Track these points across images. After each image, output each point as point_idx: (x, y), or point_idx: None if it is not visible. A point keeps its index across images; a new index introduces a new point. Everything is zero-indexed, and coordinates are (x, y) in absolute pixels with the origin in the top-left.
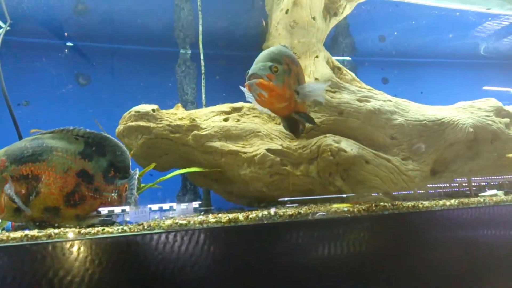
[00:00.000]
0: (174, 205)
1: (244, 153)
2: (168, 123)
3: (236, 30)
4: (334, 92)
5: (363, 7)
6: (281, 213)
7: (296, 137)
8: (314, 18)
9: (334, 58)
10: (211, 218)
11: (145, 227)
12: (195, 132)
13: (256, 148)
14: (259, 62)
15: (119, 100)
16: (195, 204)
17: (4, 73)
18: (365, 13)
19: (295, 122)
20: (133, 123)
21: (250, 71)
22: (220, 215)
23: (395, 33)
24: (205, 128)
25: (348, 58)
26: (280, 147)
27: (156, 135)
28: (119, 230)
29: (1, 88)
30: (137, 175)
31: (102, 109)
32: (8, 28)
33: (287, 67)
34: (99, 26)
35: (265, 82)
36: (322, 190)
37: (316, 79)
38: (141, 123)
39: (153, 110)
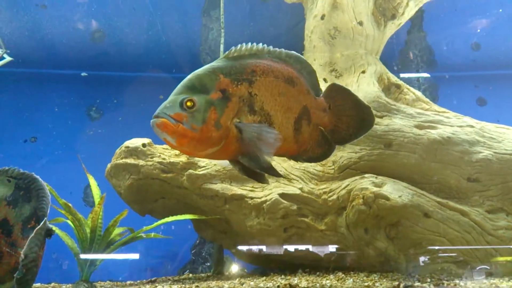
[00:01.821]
0: None
1: (251, 198)
2: (160, 160)
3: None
4: (381, 117)
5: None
6: None
7: (261, 183)
8: (360, 23)
9: (407, 75)
10: None
11: None
12: (190, 171)
13: (268, 192)
14: (172, 95)
15: (134, 134)
16: None
17: (12, 108)
18: (446, 10)
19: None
20: (121, 161)
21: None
22: None
23: (482, 30)
24: (204, 167)
25: (426, 75)
26: (298, 192)
27: (146, 175)
28: None
29: None
30: (41, 230)
31: (115, 145)
32: (11, 59)
33: (219, 95)
34: (115, 54)
35: (170, 124)
36: (357, 252)
37: None
38: (129, 160)
39: (144, 145)
